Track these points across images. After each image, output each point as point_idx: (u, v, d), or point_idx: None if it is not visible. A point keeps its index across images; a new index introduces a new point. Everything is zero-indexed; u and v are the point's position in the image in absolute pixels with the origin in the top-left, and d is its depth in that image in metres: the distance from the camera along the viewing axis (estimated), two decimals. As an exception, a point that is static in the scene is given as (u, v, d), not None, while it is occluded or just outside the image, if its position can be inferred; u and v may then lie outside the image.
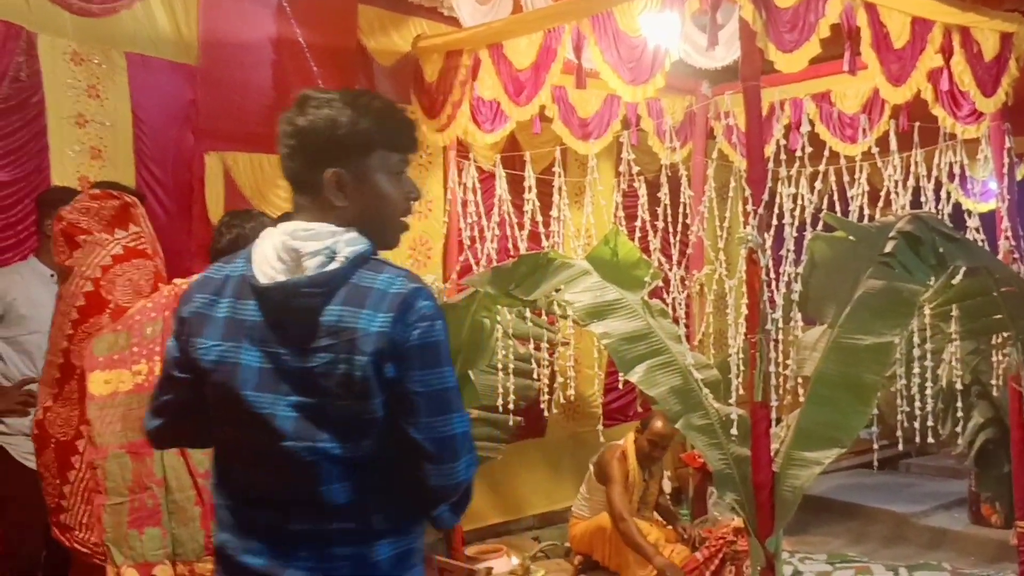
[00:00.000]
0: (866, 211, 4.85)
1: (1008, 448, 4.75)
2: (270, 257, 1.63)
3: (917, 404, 4.16)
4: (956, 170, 4.71)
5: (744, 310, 3.55)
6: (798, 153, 4.52)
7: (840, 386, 3.34)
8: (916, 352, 4.20)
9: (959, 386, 4.45)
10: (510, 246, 5.06)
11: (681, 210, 5.10)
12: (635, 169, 4.72)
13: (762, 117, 3.87)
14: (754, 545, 3.50)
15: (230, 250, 2.30)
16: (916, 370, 4.18)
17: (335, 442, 1.59)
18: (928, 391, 4.20)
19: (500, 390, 4.65)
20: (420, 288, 1.62)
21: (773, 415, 3.56)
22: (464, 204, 5.02)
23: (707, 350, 5.20)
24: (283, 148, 1.68)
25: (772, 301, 3.60)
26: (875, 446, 4.15)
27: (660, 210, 4.89)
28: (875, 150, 4.92)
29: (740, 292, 3.69)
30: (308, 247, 1.61)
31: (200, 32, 4.53)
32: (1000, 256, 4.45)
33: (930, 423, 4.17)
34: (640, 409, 5.30)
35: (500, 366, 4.63)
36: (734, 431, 3.52)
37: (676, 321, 4.31)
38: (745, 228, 3.45)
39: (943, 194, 4.76)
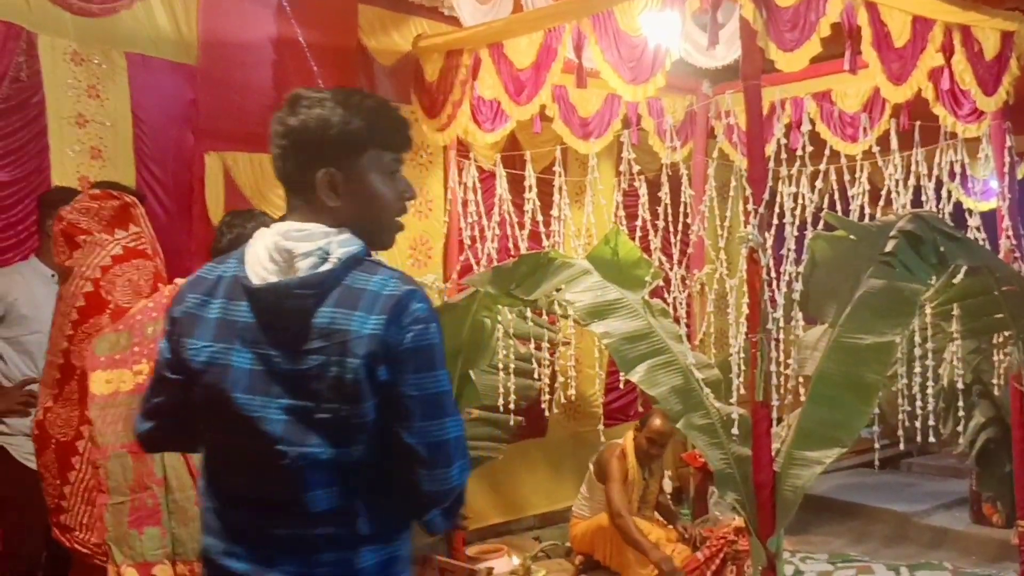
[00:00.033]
0: (867, 210, 4.85)
1: (1009, 447, 4.75)
2: (262, 258, 1.61)
3: (918, 403, 4.16)
4: (957, 169, 4.71)
5: (745, 309, 3.54)
6: (799, 152, 4.51)
7: (841, 385, 3.34)
8: (917, 351, 4.20)
9: (960, 385, 4.44)
10: (511, 246, 5.06)
11: (682, 209, 5.09)
12: (636, 168, 4.72)
13: (763, 116, 3.87)
14: (755, 545, 3.50)
15: (231, 250, 2.29)
16: (917, 369, 4.17)
17: (324, 447, 1.56)
18: (929, 390, 4.19)
19: (501, 390, 4.65)
20: (414, 290, 1.59)
21: (774, 415, 3.56)
22: (464, 204, 5.02)
23: (708, 350, 5.20)
24: (275, 149, 1.65)
25: (773, 300, 3.60)
26: (876, 445, 4.13)
27: (661, 209, 4.88)
28: (876, 149, 4.91)
29: (741, 291, 3.69)
30: (301, 248, 1.59)
31: (200, 32, 4.53)
32: (1001, 255, 4.44)
33: (931, 422, 4.16)
34: (641, 409, 5.29)
35: (501, 366, 4.63)
36: (735, 431, 3.52)
37: (677, 321, 4.31)
38: (746, 227, 3.44)
39: (944, 193, 4.75)
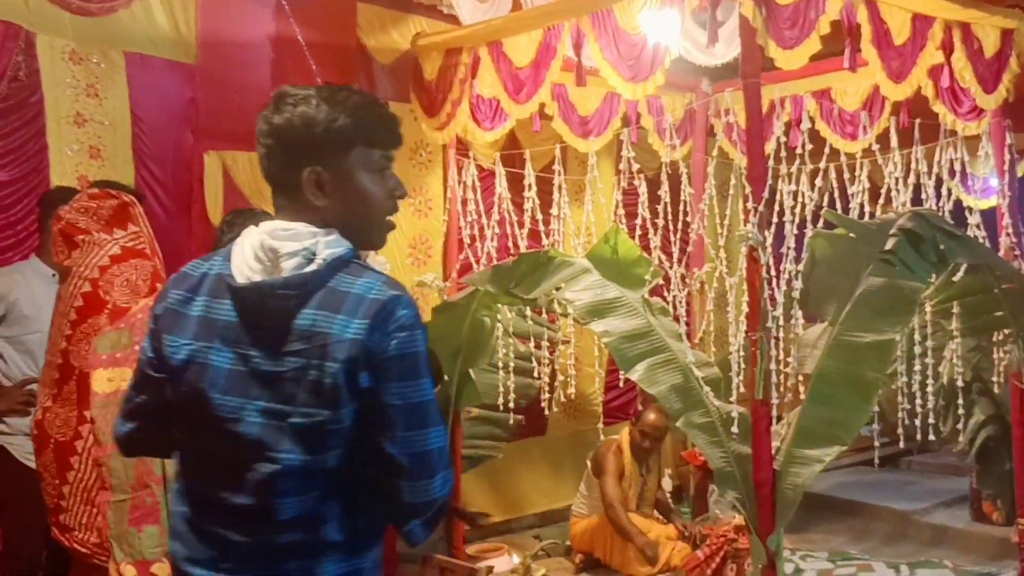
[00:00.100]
0: (867, 208, 4.85)
1: (1009, 445, 4.75)
2: (248, 256, 1.58)
3: (918, 401, 4.17)
4: (957, 167, 4.71)
5: (745, 308, 3.54)
6: (798, 150, 4.52)
7: (841, 384, 3.34)
8: (917, 349, 4.20)
9: (960, 383, 4.44)
10: (510, 244, 5.05)
11: (681, 208, 5.09)
12: (635, 167, 4.71)
13: (762, 114, 3.86)
14: (755, 543, 3.50)
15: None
16: (917, 367, 4.18)
17: (298, 453, 1.52)
18: (929, 388, 4.20)
19: (501, 389, 4.66)
20: (400, 296, 1.55)
21: (774, 413, 3.56)
22: (464, 202, 5.01)
23: (708, 348, 5.20)
24: (260, 148, 1.62)
25: (773, 299, 3.60)
26: (876, 443, 4.14)
27: (660, 208, 4.88)
28: (875, 147, 4.91)
29: (741, 290, 3.69)
30: (287, 247, 1.55)
31: (199, 31, 4.52)
32: (1001, 253, 4.44)
33: (931, 420, 4.17)
34: (640, 408, 5.30)
35: (501, 364, 4.63)
36: (735, 429, 3.52)
37: (677, 319, 4.31)
38: (746, 226, 3.44)
39: (944, 191, 4.75)
